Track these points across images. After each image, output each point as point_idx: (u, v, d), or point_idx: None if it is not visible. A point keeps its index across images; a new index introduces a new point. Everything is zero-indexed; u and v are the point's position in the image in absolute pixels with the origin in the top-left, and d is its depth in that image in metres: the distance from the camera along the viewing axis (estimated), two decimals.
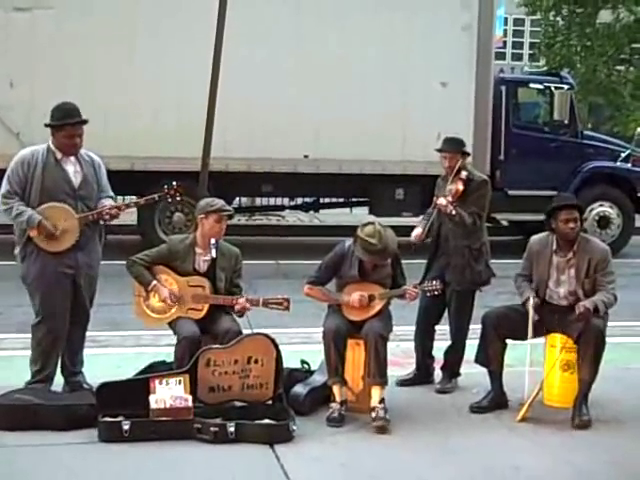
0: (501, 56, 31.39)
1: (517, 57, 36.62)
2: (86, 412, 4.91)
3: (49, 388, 5.29)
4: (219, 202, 5.52)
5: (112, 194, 5.53)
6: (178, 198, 5.66)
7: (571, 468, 4.65)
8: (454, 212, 5.64)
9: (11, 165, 5.24)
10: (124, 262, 5.47)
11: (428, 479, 4.46)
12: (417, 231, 5.89)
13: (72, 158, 5.26)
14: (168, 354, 5.43)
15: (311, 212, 14.17)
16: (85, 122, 5.23)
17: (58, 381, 5.42)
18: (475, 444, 4.96)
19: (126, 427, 4.74)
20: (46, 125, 5.23)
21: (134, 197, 8.96)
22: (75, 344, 5.45)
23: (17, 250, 5.29)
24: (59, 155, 5.22)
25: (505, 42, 34.89)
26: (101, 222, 5.38)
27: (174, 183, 5.59)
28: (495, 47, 13.01)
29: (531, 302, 5.36)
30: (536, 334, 5.51)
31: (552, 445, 4.98)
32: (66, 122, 5.16)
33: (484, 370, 5.57)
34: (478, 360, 5.56)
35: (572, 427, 5.20)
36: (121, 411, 4.83)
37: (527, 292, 5.48)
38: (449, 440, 4.99)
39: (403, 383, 5.90)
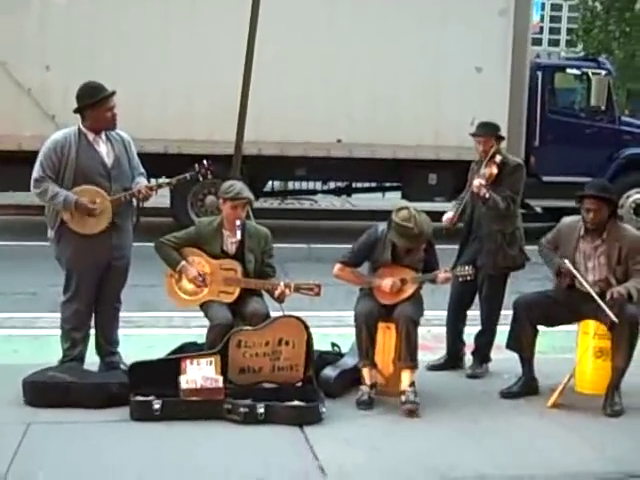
0: (538, 42, 31.09)
1: (554, 43, 36.26)
2: (118, 391, 4.97)
3: (82, 366, 5.34)
4: (236, 188, 5.37)
5: (143, 171, 5.49)
6: (210, 177, 5.59)
7: (600, 454, 4.62)
8: (487, 195, 5.59)
9: (43, 150, 5.17)
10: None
11: (457, 463, 4.45)
12: (449, 214, 5.86)
13: (103, 138, 5.24)
14: (199, 336, 5.45)
15: (344, 196, 14.16)
16: (114, 93, 5.22)
17: (94, 360, 5.48)
18: (505, 429, 4.95)
19: (157, 406, 4.79)
20: (81, 107, 5.16)
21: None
22: (108, 325, 5.49)
23: (51, 233, 5.28)
24: (91, 136, 5.20)
25: (542, 27, 34.56)
26: (134, 203, 5.38)
27: (205, 162, 5.53)
28: (532, 33, 12.85)
29: (567, 262, 5.29)
30: (570, 321, 5.48)
31: (582, 431, 4.95)
32: (104, 95, 5.14)
33: (515, 356, 5.54)
34: (509, 346, 5.53)
35: (603, 415, 5.17)
36: (153, 390, 4.88)
37: (556, 259, 5.42)
38: (479, 424, 4.99)
39: (433, 368, 5.90)
